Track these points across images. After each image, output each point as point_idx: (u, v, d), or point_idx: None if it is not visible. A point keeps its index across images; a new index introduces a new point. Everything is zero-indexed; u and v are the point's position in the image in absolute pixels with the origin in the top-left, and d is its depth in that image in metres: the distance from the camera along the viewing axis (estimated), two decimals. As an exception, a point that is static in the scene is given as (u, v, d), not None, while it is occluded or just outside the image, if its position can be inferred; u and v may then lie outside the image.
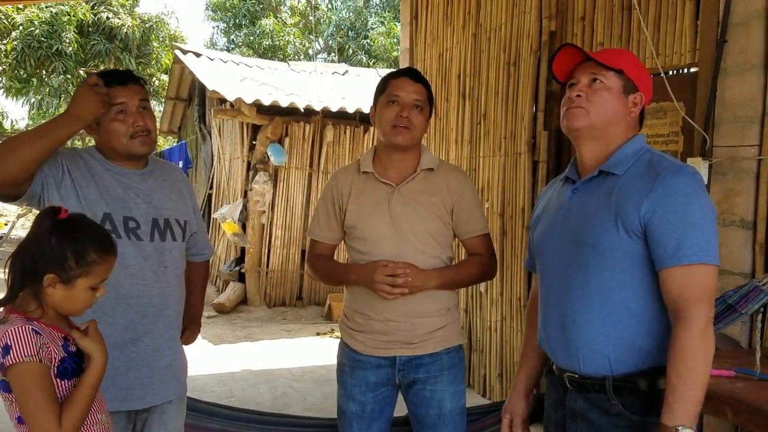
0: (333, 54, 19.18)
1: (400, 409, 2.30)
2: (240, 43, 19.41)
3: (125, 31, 14.84)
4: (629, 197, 1.57)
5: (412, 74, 2.23)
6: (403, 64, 5.72)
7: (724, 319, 2.05)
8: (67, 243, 1.51)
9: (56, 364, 1.50)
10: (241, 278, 8.40)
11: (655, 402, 1.54)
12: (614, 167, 1.64)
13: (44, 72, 14.79)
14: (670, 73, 3.14)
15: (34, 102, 16.24)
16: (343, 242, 2.34)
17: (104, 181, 2.00)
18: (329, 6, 20.17)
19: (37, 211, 1.74)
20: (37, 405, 1.43)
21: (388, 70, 4.94)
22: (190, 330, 2.31)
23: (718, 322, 2.00)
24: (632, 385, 1.58)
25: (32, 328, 1.46)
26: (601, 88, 1.66)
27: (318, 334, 7.09)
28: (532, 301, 2.01)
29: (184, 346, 2.25)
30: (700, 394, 1.46)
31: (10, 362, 1.43)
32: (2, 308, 1.53)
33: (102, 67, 14.88)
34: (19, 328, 1.45)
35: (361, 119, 8.09)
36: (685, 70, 3.12)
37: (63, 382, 1.52)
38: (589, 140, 1.69)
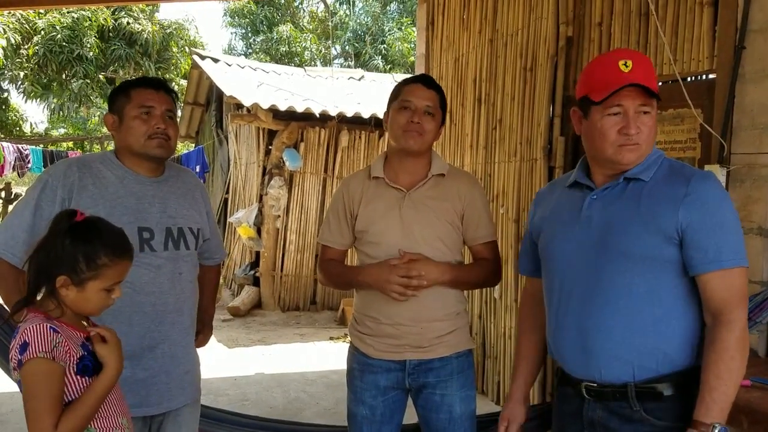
0: (349, 59, 19.23)
1: (411, 417, 2.29)
2: (257, 49, 19.53)
3: (145, 36, 15.00)
4: (661, 203, 1.57)
5: (425, 81, 2.24)
6: (419, 69, 5.71)
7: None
8: (79, 245, 1.52)
9: (75, 362, 1.51)
10: (256, 282, 8.44)
11: (678, 406, 1.54)
12: (641, 173, 1.63)
13: (65, 76, 14.98)
14: (688, 79, 3.11)
15: (54, 106, 16.44)
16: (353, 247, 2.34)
17: (117, 193, 2.00)
18: (347, 12, 20.24)
19: None
20: (38, 404, 1.44)
21: (405, 76, 4.93)
22: (202, 333, 2.32)
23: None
24: (654, 391, 1.57)
25: (50, 327, 1.48)
26: (650, 118, 1.62)
27: (331, 338, 7.10)
28: (526, 307, 1.98)
29: (197, 349, 2.26)
30: (735, 393, 1.49)
31: (27, 358, 1.44)
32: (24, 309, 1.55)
33: (122, 72, 15.05)
34: (38, 325, 1.47)
35: (376, 124, 8.09)
36: (703, 77, 3.09)
37: (83, 379, 1.52)
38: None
